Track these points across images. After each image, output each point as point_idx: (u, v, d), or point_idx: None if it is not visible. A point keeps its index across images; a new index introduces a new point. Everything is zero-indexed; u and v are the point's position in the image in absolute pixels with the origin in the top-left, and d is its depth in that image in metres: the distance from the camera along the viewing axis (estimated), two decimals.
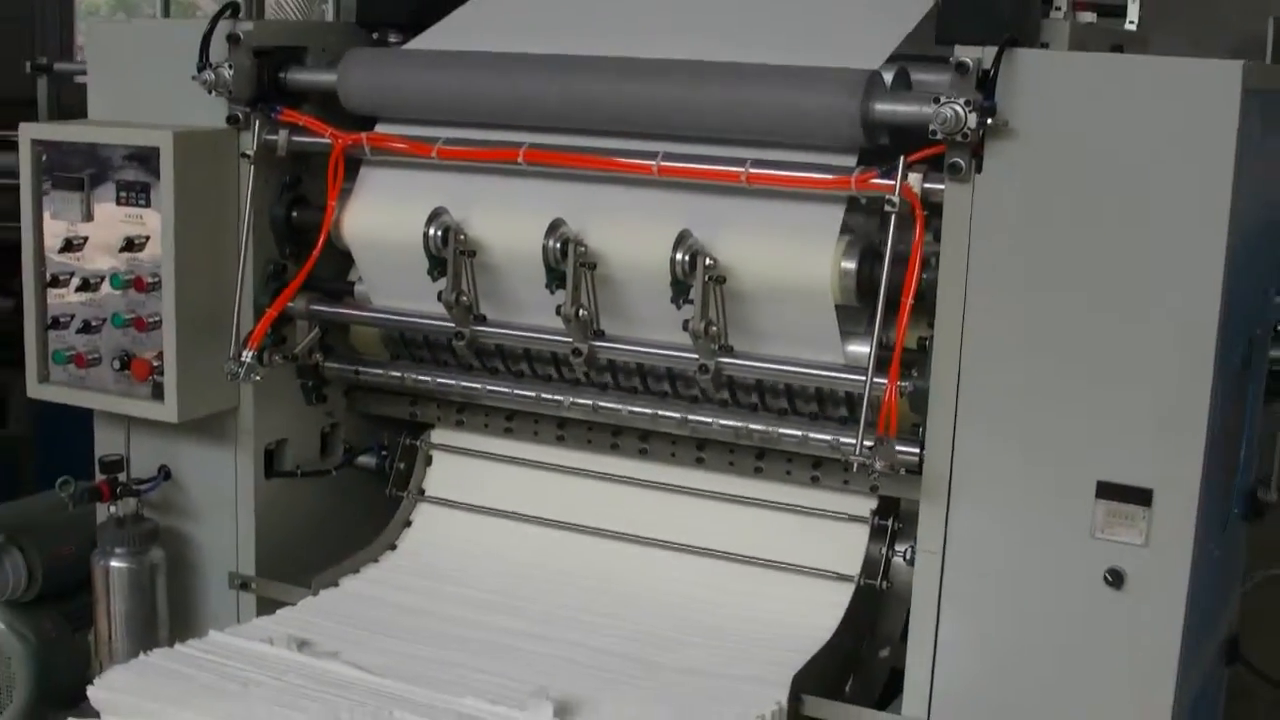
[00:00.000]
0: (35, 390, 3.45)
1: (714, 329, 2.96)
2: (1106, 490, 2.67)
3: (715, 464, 3.32)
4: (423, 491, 3.63)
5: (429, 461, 3.66)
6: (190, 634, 3.28)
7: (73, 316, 3.38)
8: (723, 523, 3.35)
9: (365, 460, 3.69)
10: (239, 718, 2.67)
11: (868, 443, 2.73)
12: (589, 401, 3.30)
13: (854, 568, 3.22)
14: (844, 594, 3.20)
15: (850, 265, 2.88)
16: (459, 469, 3.63)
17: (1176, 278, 2.58)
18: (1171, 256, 2.58)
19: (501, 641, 3.10)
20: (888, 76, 2.91)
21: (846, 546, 3.24)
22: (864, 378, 2.80)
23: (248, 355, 3.23)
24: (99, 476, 3.44)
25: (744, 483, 3.32)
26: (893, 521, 3.19)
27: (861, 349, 2.94)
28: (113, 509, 3.43)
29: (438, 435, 3.65)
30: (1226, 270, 2.56)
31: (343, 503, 3.66)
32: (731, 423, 3.16)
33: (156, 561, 3.45)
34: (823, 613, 3.19)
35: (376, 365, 3.53)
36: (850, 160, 2.89)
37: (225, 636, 3.02)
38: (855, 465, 2.73)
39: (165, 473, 3.52)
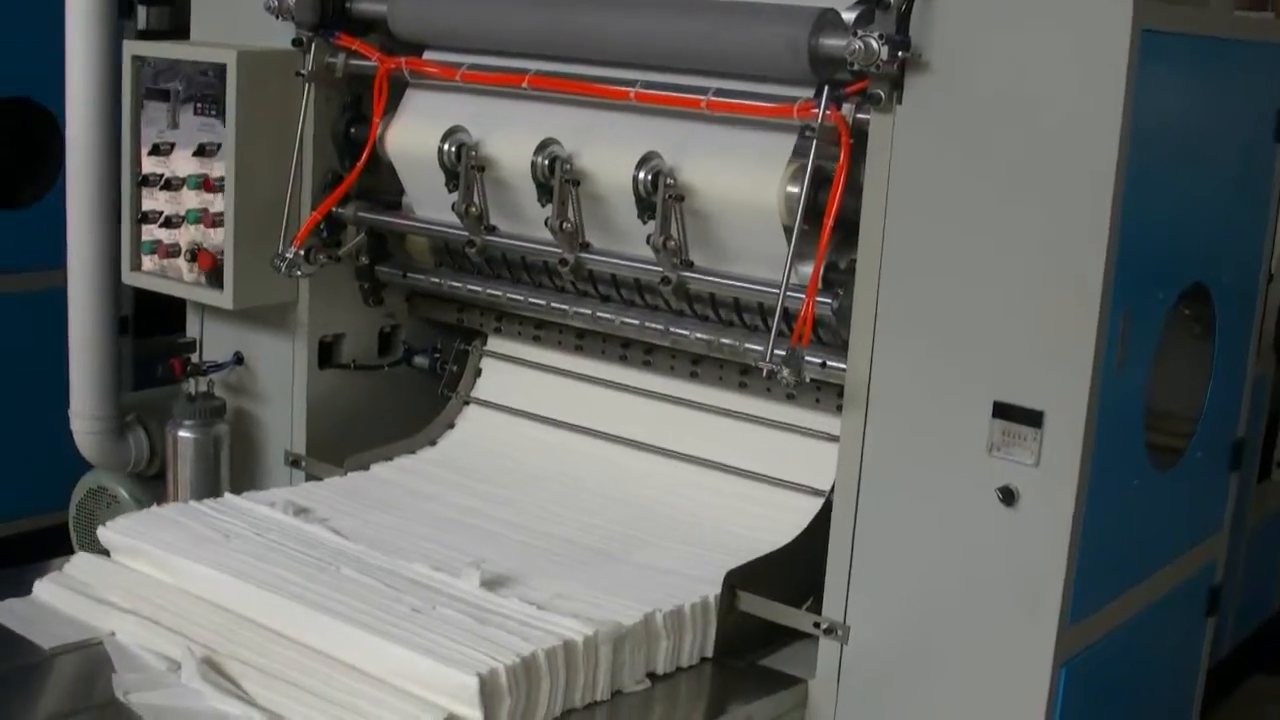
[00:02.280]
0: (128, 278, 3.87)
1: (672, 243, 3.14)
2: (1002, 410, 2.76)
3: (706, 378, 3.51)
4: (470, 396, 3.91)
5: (478, 373, 3.94)
6: None
7: (160, 213, 3.77)
8: (711, 433, 3.54)
9: (420, 361, 3.99)
10: (213, 561, 2.99)
11: (779, 351, 2.87)
12: (588, 310, 3.53)
13: (826, 483, 3.36)
14: (814, 507, 3.34)
15: (794, 189, 3.02)
16: (503, 376, 3.91)
17: (1069, 209, 2.65)
18: (1065, 189, 2.65)
19: (484, 527, 3.37)
20: (852, 16, 3.03)
21: (822, 463, 3.38)
22: (798, 295, 2.94)
23: (292, 252, 3.55)
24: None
25: (731, 396, 3.50)
26: None
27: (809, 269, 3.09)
28: (185, 386, 3.81)
29: (490, 343, 3.92)
30: (1121, 203, 2.62)
31: (396, 398, 3.97)
32: (681, 330, 3.39)
33: (221, 435, 3.83)
34: (790, 525, 3.34)
35: (420, 271, 3.82)
36: (809, 93, 3.02)
37: (235, 498, 3.37)
38: (764, 371, 2.88)
39: (238, 358, 3.89)
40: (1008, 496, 2.76)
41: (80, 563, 3.08)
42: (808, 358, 3.07)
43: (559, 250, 3.35)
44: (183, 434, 3.80)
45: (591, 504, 3.51)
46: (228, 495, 3.40)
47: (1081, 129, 2.61)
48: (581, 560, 3.22)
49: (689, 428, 3.58)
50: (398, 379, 3.99)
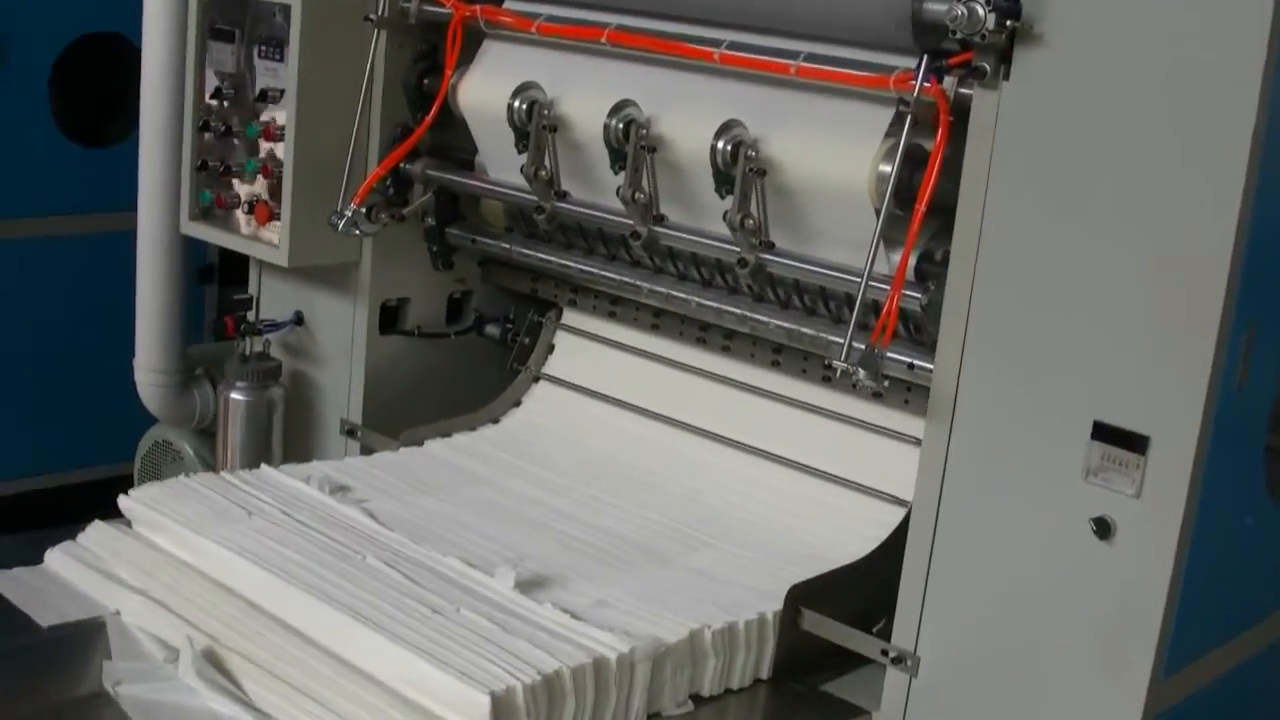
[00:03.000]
0: (186, 227, 3.65)
1: (751, 222, 2.84)
2: (1103, 432, 2.42)
3: (788, 368, 3.21)
4: (541, 371, 3.64)
5: (551, 349, 3.67)
6: None
7: (221, 161, 3.54)
8: (790, 429, 3.24)
9: (491, 330, 3.74)
10: (228, 540, 2.77)
11: (857, 345, 2.56)
12: (663, 289, 3.24)
13: (911, 493, 3.04)
14: (894, 519, 3.03)
15: (887, 169, 2.70)
16: (576, 353, 3.64)
17: (1191, 208, 2.30)
18: (1187, 185, 2.30)
19: (533, 517, 3.10)
20: None
21: (908, 469, 3.06)
22: (883, 286, 2.63)
23: (352, 209, 3.31)
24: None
25: (815, 390, 3.19)
26: None
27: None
28: (239, 345, 3.59)
29: (565, 317, 3.65)
30: (1254, 201, 2.27)
31: (463, 370, 3.72)
32: (760, 317, 3.09)
33: (274, 398, 3.61)
34: (867, 537, 3.03)
35: (492, 236, 3.56)
36: (911, 63, 2.70)
37: (272, 471, 3.14)
38: (838, 370, 2.57)
39: (298, 318, 3.67)
40: (1103, 529, 2.43)
41: (95, 532, 2.88)
42: (891, 355, 2.76)
43: (631, 222, 3.06)
44: (234, 396, 3.59)
45: (653, 498, 3.23)
46: (264, 468, 3.17)
47: (1212, 117, 2.26)
48: (633, 562, 2.94)
49: (766, 421, 3.28)
50: (466, 349, 3.74)
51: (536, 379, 3.65)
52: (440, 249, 3.62)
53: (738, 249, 2.91)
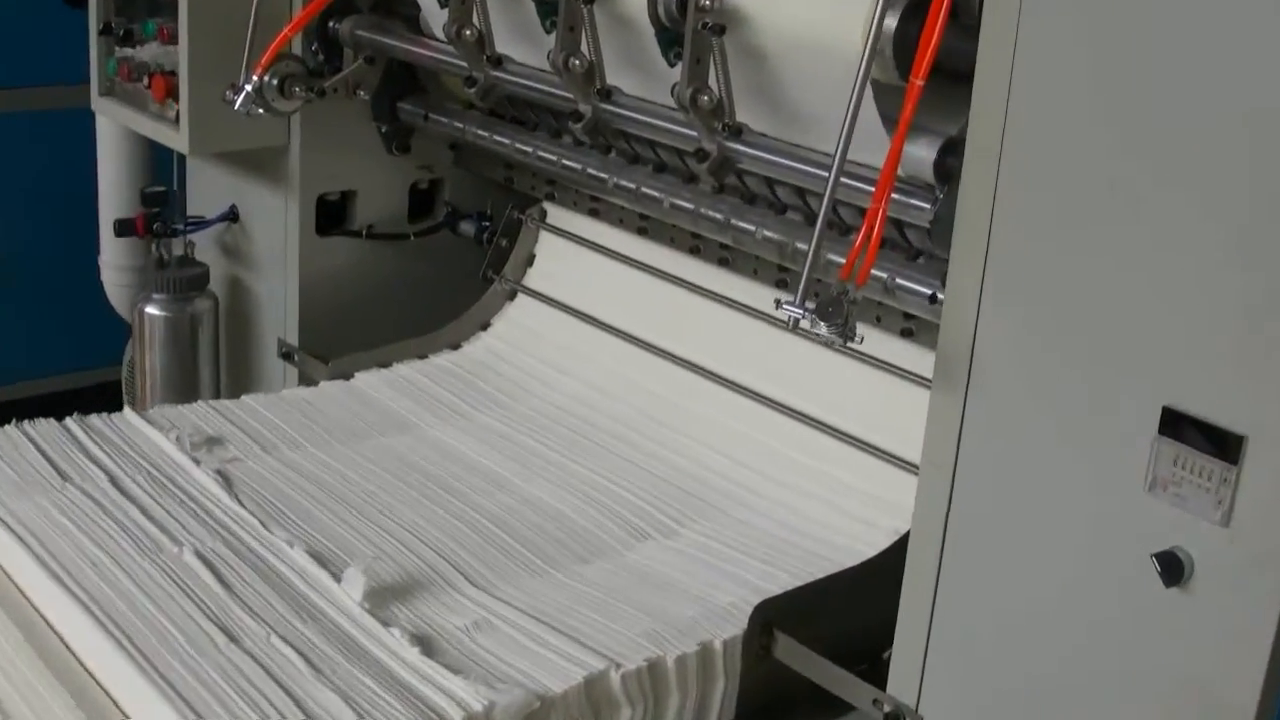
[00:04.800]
0: (96, 104, 2.91)
1: (705, 99, 1.97)
2: (1175, 423, 1.52)
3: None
4: (519, 283, 2.83)
5: (530, 259, 2.84)
6: None
7: (127, 23, 2.79)
8: (802, 370, 2.37)
9: (466, 229, 2.93)
10: (14, 518, 2.05)
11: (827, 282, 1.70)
12: (632, 184, 2.39)
13: None
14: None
15: (893, 23, 1.80)
16: (559, 259, 2.81)
17: None
18: None
19: (449, 481, 2.32)
20: None
21: None
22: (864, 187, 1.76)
23: (253, 81, 2.52)
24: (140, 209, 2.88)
25: None
26: None
27: (921, 152, 1.87)
28: (155, 249, 2.86)
29: (549, 210, 2.82)
30: None
31: (431, 279, 2.93)
32: (745, 225, 2.22)
33: (200, 313, 2.88)
34: (890, 530, 2.18)
35: (447, 114, 2.73)
36: None
37: (133, 416, 2.41)
38: (790, 321, 1.70)
39: (232, 213, 2.91)
40: (1172, 569, 1.54)
41: None
42: (911, 284, 1.89)
43: (572, 98, 2.22)
44: (150, 310, 2.87)
45: (612, 460, 2.41)
46: (126, 413, 2.44)
47: None
48: (554, 555, 2.14)
49: (773, 356, 2.42)
50: (436, 254, 2.95)
51: (512, 295, 2.83)
52: (392, 129, 2.81)
53: (693, 134, 2.04)
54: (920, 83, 1.65)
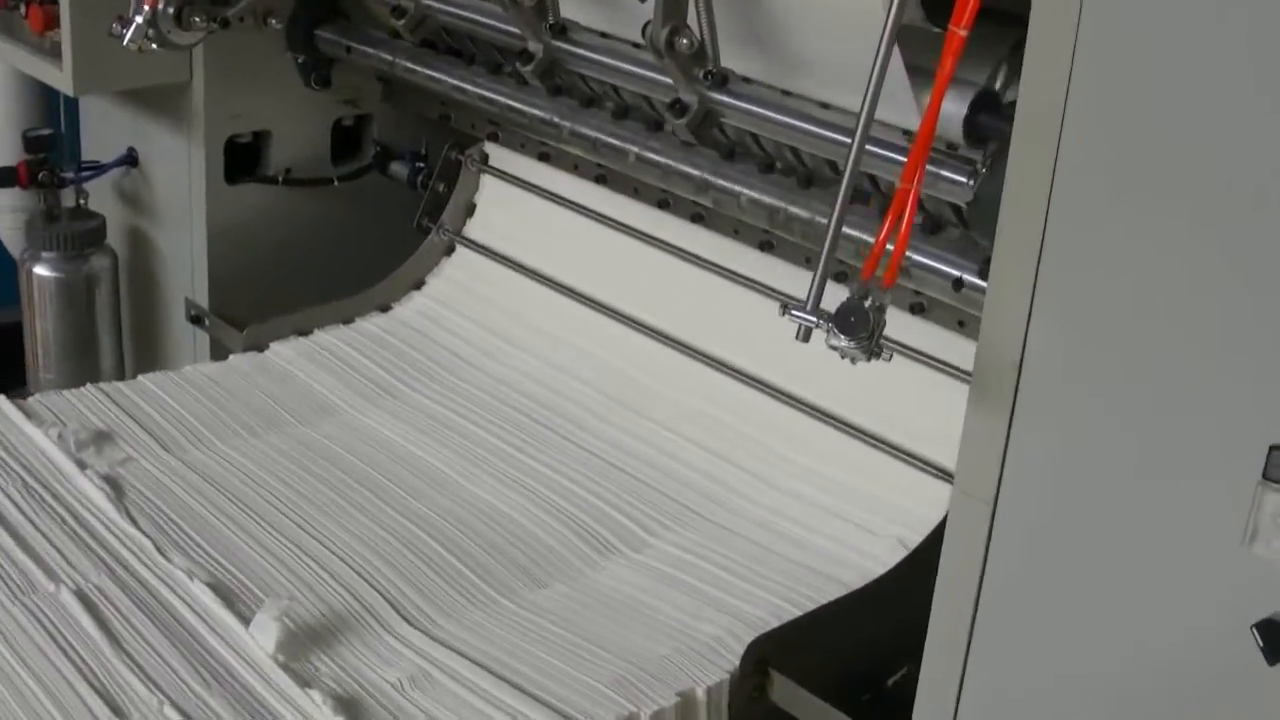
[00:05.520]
0: None
1: (682, 42, 1.60)
2: None
3: (785, 251, 1.97)
4: (458, 233, 2.45)
5: (471, 208, 2.46)
6: (150, 370, 2.35)
7: None
8: (792, 346, 2.01)
9: (398, 170, 2.54)
10: None
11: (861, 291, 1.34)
12: (590, 132, 2.03)
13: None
14: (940, 500, 1.84)
15: None
16: (500, 210, 2.43)
17: None
18: None
19: (380, 483, 1.96)
20: None
21: None
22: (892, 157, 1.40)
23: (144, 11, 2.12)
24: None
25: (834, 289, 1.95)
26: None
27: (948, 106, 1.51)
28: (40, 200, 2.46)
29: (491, 152, 2.43)
30: None
31: (363, 227, 2.55)
32: (727, 184, 1.85)
33: (96, 271, 2.50)
34: (890, 529, 1.86)
35: (372, 43, 2.34)
36: None
37: (8, 408, 2.03)
38: (799, 331, 1.35)
39: (130, 157, 2.52)
40: (1275, 641, 1.22)
41: None
42: (932, 262, 1.55)
43: (519, 34, 1.84)
44: (39, 271, 2.48)
45: (576, 453, 2.06)
46: (1, 400, 2.05)
47: None
48: (522, 572, 1.80)
49: (758, 328, 2.06)
50: (367, 199, 2.57)
51: (450, 249, 2.46)
52: (310, 60, 2.42)
53: (668, 82, 1.67)
54: (964, 32, 1.29)
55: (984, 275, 1.55)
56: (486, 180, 2.45)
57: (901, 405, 1.91)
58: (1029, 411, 1.38)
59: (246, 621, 1.62)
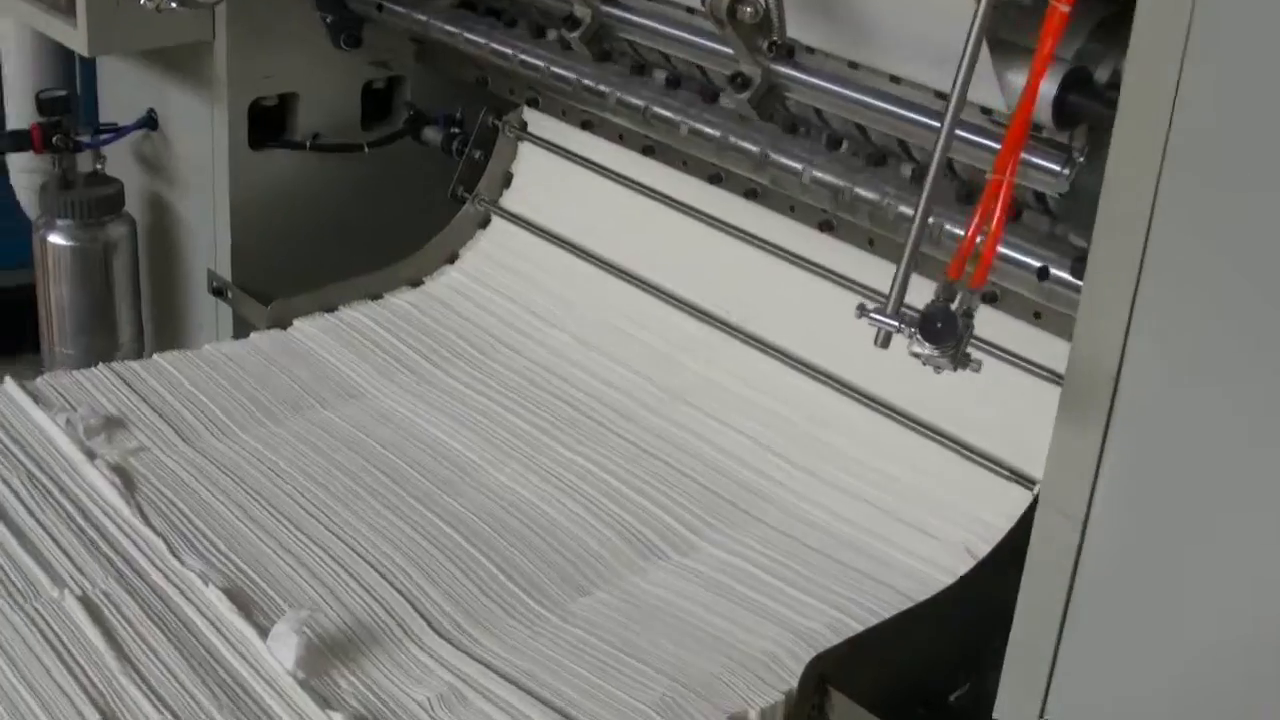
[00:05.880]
0: None
1: (746, 10, 1.45)
2: None
3: (845, 231, 1.82)
4: (495, 203, 2.31)
5: (508, 177, 2.31)
6: (171, 344, 2.24)
7: None
8: (852, 335, 1.87)
9: (431, 135, 2.40)
10: None
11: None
12: (639, 102, 1.88)
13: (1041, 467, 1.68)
14: (1012, 506, 1.69)
15: None
16: (541, 179, 2.28)
17: None
18: None
19: (418, 483, 1.82)
20: None
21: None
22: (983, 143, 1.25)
23: None
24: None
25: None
26: None
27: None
28: (54, 165, 2.33)
29: (529, 118, 2.29)
30: None
31: (395, 195, 2.41)
32: (788, 160, 1.68)
33: (114, 239, 2.37)
34: (954, 534, 1.72)
35: (402, 1, 2.20)
36: None
37: (15, 391, 1.90)
38: (880, 335, 1.20)
39: (150, 119, 2.38)
40: None
41: None
42: (1011, 252, 1.40)
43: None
44: (54, 239, 2.35)
45: (618, 444, 1.91)
46: (6, 384, 1.93)
47: None
48: (561, 578, 1.66)
49: (813, 312, 1.92)
50: (399, 166, 2.43)
51: (485, 221, 2.32)
52: (339, 19, 2.27)
53: (730, 52, 1.52)
54: (1066, 8, 1.14)
55: (1076, 272, 1.40)
56: (525, 148, 2.30)
57: (972, 402, 1.76)
58: (1126, 425, 1.23)
59: (265, 633, 1.49)
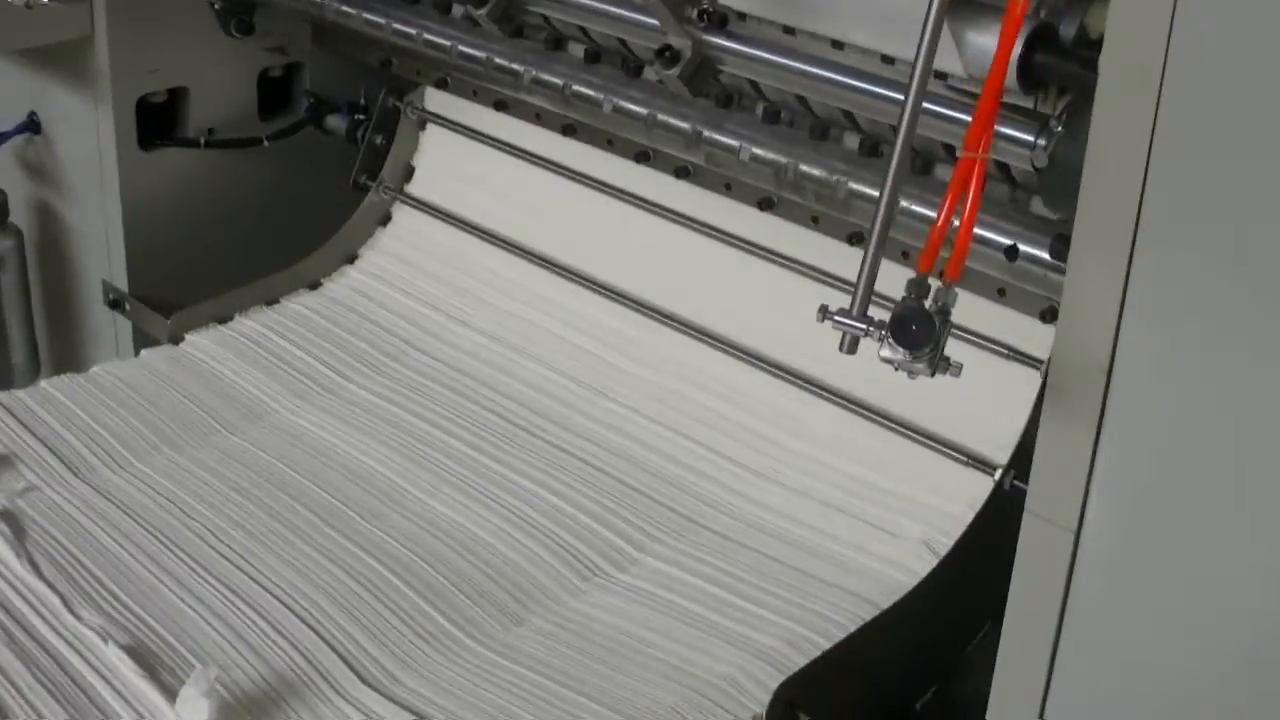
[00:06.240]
0: None
1: None
2: None
3: (791, 210, 1.66)
4: (399, 189, 2.14)
5: (410, 170, 2.14)
6: (69, 364, 2.06)
7: None
8: (798, 319, 1.72)
9: (335, 123, 2.22)
10: None
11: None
12: (557, 80, 1.72)
13: (1003, 451, 1.55)
14: (973, 494, 1.55)
15: None
16: (448, 165, 2.12)
17: None
18: None
19: (328, 506, 1.65)
20: None
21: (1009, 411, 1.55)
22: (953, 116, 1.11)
23: None
24: None
25: (846, 251, 1.65)
26: None
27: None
28: None
29: (432, 99, 2.12)
30: None
31: (302, 191, 2.22)
32: (722, 137, 1.53)
33: (1, 254, 2.17)
34: (914, 530, 1.58)
35: None
36: None
37: None
38: (844, 340, 1.05)
39: (32, 123, 2.19)
40: None
41: None
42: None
43: None
44: None
45: (545, 450, 1.76)
46: None
47: None
48: (493, 606, 1.51)
49: (755, 298, 1.78)
50: (300, 160, 2.24)
51: (387, 215, 2.14)
52: (228, 4, 2.09)
53: (657, 25, 1.36)
54: None
55: (1056, 253, 1.26)
56: (431, 131, 2.13)
57: (926, 384, 1.62)
58: (1120, 422, 1.10)
59: (172, 695, 1.32)
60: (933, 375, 1.04)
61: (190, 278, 2.10)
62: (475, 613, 1.50)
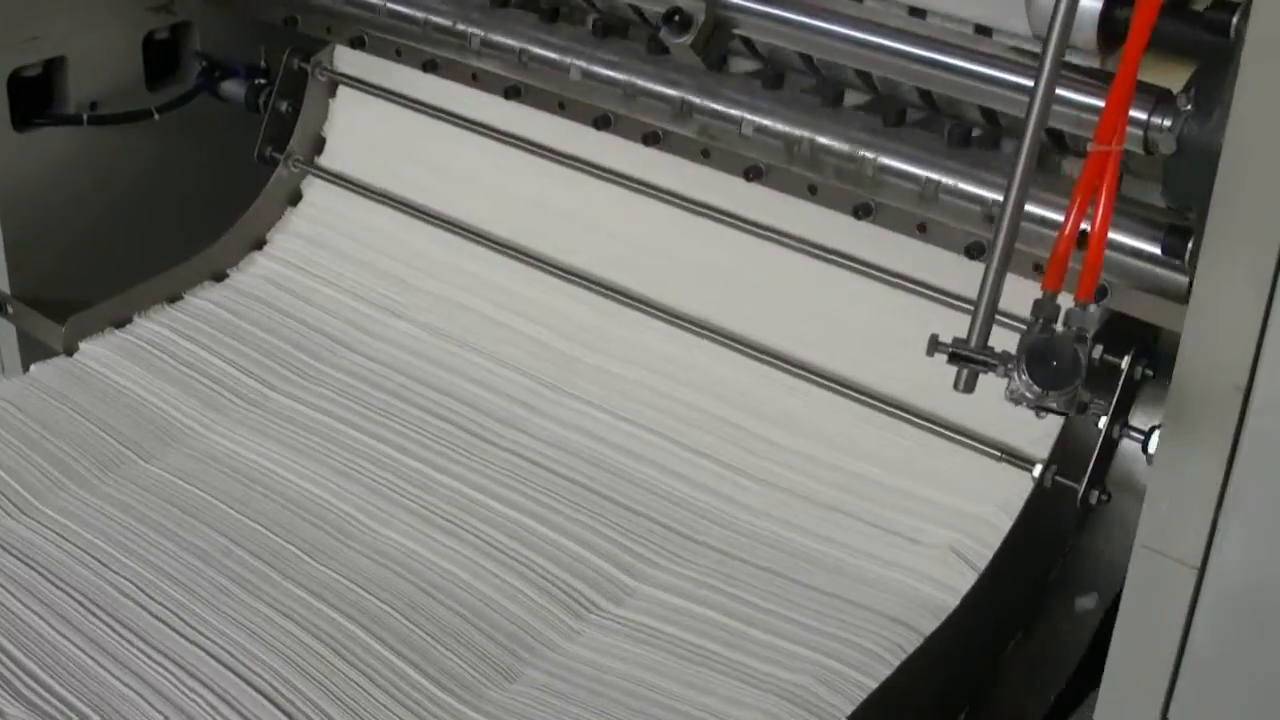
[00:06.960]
0: None
1: None
2: None
3: (777, 179, 1.44)
4: (311, 162, 1.88)
5: (321, 141, 1.89)
6: None
7: None
8: (805, 311, 1.52)
9: (231, 89, 1.95)
10: None
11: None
12: (514, 42, 1.49)
13: (1043, 446, 1.36)
14: (1011, 496, 1.36)
15: None
16: (365, 127, 1.87)
17: None
18: None
19: (268, 546, 1.42)
20: None
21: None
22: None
23: None
24: None
25: (853, 228, 1.43)
26: (1137, 364, 1.27)
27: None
28: None
29: (343, 59, 1.86)
30: None
31: (196, 167, 1.96)
32: (721, 107, 1.31)
33: None
34: (938, 534, 1.39)
35: None
36: None
37: None
38: (960, 378, 0.85)
39: None
40: None
41: None
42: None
43: None
44: None
45: (507, 460, 1.54)
46: None
47: None
48: (478, 658, 1.30)
49: (746, 279, 1.56)
50: (201, 131, 1.97)
51: (295, 198, 1.89)
52: None
53: None
54: None
55: (1172, 250, 1.06)
56: (344, 95, 1.88)
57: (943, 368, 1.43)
58: (1258, 451, 0.91)
59: None
60: (1070, 415, 0.84)
61: (80, 274, 1.84)
62: (459, 668, 1.28)
